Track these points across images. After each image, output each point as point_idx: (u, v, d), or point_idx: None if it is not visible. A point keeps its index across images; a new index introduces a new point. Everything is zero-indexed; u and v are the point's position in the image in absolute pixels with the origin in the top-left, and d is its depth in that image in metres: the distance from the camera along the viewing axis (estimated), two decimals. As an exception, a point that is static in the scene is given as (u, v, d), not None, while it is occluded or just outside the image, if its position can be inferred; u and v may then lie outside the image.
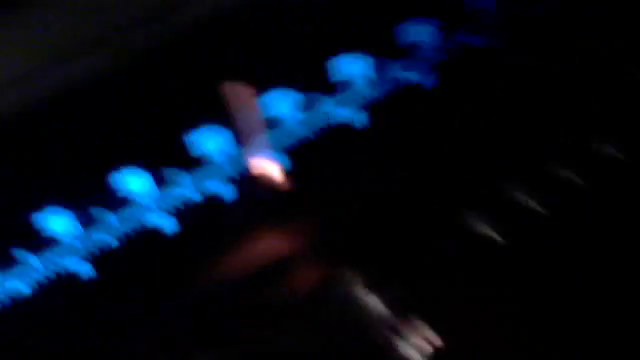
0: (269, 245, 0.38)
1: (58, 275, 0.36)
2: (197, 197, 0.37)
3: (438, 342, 0.34)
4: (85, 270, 0.36)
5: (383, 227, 0.38)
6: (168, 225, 0.37)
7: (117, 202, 0.37)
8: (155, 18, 0.32)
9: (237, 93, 0.36)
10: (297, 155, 0.39)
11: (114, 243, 0.36)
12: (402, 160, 0.40)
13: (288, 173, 0.39)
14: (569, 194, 0.38)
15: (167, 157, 0.37)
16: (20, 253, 0.35)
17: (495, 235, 0.37)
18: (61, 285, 0.36)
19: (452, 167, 0.39)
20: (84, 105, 0.34)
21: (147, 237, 0.37)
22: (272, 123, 0.38)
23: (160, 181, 0.37)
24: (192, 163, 0.37)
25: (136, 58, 0.34)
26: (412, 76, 0.40)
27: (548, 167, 0.39)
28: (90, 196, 0.36)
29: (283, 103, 0.38)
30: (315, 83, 0.38)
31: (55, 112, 0.33)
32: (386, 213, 0.38)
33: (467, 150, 0.40)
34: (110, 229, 0.36)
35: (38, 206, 0.35)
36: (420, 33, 0.39)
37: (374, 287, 0.36)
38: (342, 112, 0.39)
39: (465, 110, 0.40)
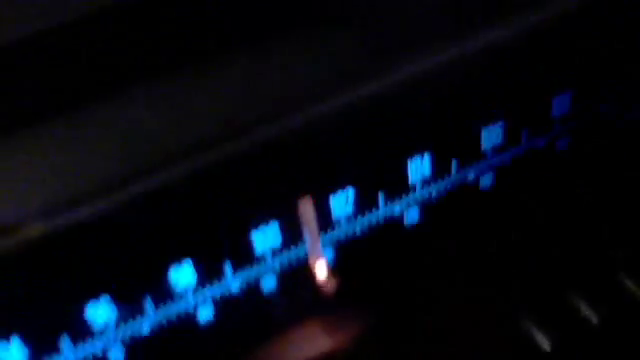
0: (308, 340, 0.38)
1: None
2: (237, 288, 0.36)
3: None
4: (117, 357, 0.36)
5: (430, 330, 0.38)
6: (205, 315, 0.36)
7: (155, 289, 0.35)
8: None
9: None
10: (345, 251, 0.38)
11: (148, 330, 0.36)
12: (453, 260, 0.39)
13: (334, 268, 0.38)
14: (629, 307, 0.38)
15: (212, 248, 0.35)
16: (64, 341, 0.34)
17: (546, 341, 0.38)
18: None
19: (505, 270, 0.39)
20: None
21: (183, 326, 0.36)
22: (322, 216, 0.36)
23: (201, 270, 0.35)
24: (235, 254, 0.36)
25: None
26: (469, 175, 0.38)
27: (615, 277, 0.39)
28: (131, 284, 0.35)
29: (338, 202, 0.36)
30: (370, 180, 0.36)
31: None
32: (434, 315, 0.38)
33: (523, 253, 0.39)
34: (146, 316, 0.35)
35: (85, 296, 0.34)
36: (485, 135, 0.37)
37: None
38: (395, 209, 0.38)
39: (520, 213, 0.40)
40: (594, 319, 0.38)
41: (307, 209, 0.35)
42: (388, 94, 0.31)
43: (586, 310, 0.39)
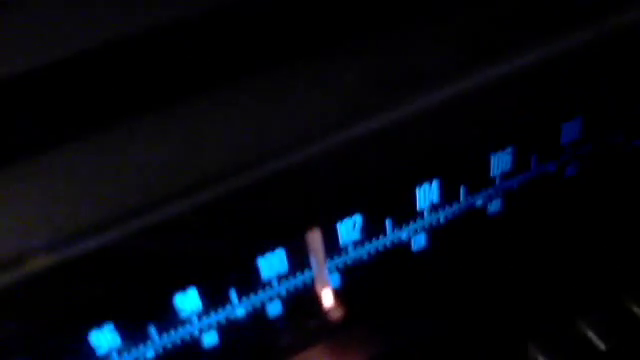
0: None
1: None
2: (242, 314, 0.36)
3: None
4: (123, 382, 0.35)
5: (438, 355, 0.38)
6: (211, 344, 0.36)
7: (160, 316, 0.35)
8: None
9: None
10: (352, 277, 0.37)
11: (153, 356, 0.35)
12: (460, 286, 0.39)
13: (341, 294, 0.38)
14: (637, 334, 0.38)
15: (218, 276, 0.35)
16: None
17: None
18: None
19: (513, 296, 0.39)
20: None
21: (188, 351, 0.36)
22: (329, 243, 0.36)
23: (206, 295, 0.35)
24: (241, 280, 0.35)
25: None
26: (478, 201, 0.38)
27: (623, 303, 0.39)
28: (135, 312, 0.34)
29: (345, 228, 0.36)
30: (378, 207, 0.36)
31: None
32: (440, 340, 0.38)
33: (531, 279, 0.39)
34: (151, 342, 0.35)
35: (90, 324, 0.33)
36: (495, 162, 0.37)
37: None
38: (402, 235, 0.37)
39: (529, 239, 0.39)
40: (602, 346, 0.38)
41: (314, 237, 0.35)
42: (397, 126, 0.31)
43: (594, 337, 0.38)
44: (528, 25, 0.33)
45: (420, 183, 0.35)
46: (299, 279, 0.36)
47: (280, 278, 0.36)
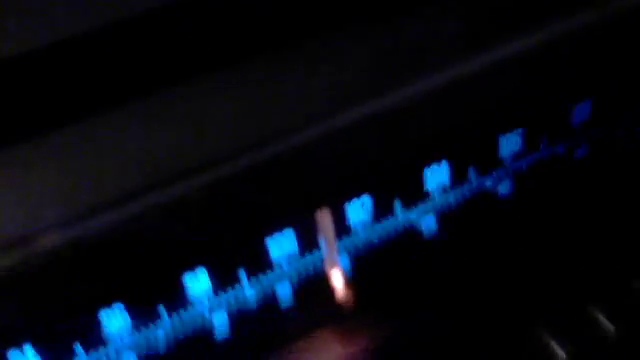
0: (323, 350, 0.37)
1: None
2: (252, 296, 0.36)
3: None
4: (133, 364, 0.35)
5: (446, 339, 0.38)
6: (221, 326, 0.36)
7: (170, 297, 0.35)
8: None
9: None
10: (361, 258, 0.37)
11: (163, 338, 0.35)
12: (470, 269, 0.39)
13: (350, 276, 0.38)
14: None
15: (227, 256, 0.35)
16: (77, 349, 0.34)
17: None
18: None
19: (523, 280, 0.39)
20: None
21: (198, 334, 0.36)
22: (339, 227, 0.36)
23: (216, 275, 0.35)
24: (250, 261, 0.35)
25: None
26: (488, 183, 0.38)
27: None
28: (145, 292, 0.35)
29: (354, 209, 0.36)
30: (387, 187, 0.36)
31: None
32: (450, 324, 0.38)
33: (541, 262, 0.39)
34: (161, 323, 0.35)
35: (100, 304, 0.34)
36: (504, 143, 0.37)
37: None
38: (413, 218, 0.37)
39: (539, 221, 0.39)
40: (612, 331, 0.38)
41: (324, 217, 0.35)
42: (406, 106, 0.30)
43: (604, 322, 0.38)
44: (538, 5, 0.33)
45: (429, 164, 0.35)
46: (308, 260, 0.36)
47: (290, 259, 0.36)
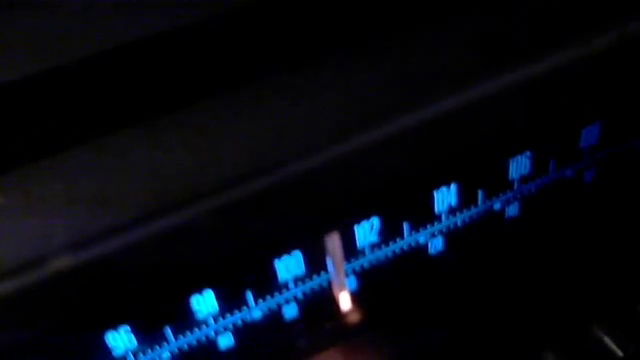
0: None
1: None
2: (258, 315, 0.36)
3: None
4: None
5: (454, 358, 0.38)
6: (227, 347, 0.36)
7: (177, 318, 0.35)
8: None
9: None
10: (369, 279, 0.37)
11: (168, 357, 0.35)
12: (477, 290, 0.39)
13: (357, 297, 0.38)
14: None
15: (235, 278, 0.35)
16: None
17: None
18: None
19: (530, 301, 0.39)
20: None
21: (204, 354, 0.36)
22: (347, 248, 0.36)
23: (223, 297, 0.35)
24: (258, 281, 0.35)
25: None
26: (495, 205, 0.38)
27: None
28: (153, 312, 0.34)
29: (363, 231, 0.36)
30: (397, 210, 0.36)
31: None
32: (456, 344, 0.38)
33: (548, 284, 0.39)
34: (167, 344, 0.35)
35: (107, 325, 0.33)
36: (513, 165, 0.37)
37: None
38: (421, 239, 0.37)
39: (549, 243, 0.39)
40: (618, 353, 0.38)
41: (332, 240, 0.35)
42: (415, 130, 0.30)
43: (610, 344, 0.38)
44: (547, 30, 0.33)
45: (438, 187, 0.35)
46: (316, 281, 0.36)
47: (297, 280, 0.36)
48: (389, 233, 0.36)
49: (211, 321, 0.35)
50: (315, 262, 0.36)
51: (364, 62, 0.31)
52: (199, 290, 0.34)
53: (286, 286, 0.36)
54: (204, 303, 0.35)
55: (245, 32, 0.31)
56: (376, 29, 0.33)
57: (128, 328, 0.34)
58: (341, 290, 0.37)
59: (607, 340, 0.38)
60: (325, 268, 0.36)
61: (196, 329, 0.35)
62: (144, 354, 0.35)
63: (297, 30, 0.32)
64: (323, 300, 0.37)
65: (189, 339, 0.36)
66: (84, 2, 0.31)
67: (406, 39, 0.32)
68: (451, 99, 0.31)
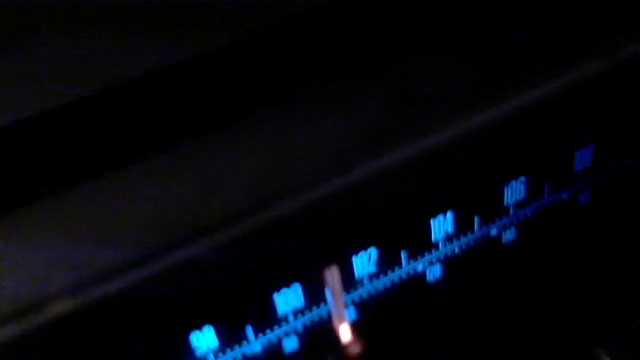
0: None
1: None
2: (258, 349, 0.36)
3: None
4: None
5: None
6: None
7: (177, 353, 0.35)
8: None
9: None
10: (368, 309, 0.37)
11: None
12: (476, 315, 0.39)
13: (356, 327, 0.37)
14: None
15: (235, 313, 0.35)
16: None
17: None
18: None
19: (530, 325, 0.39)
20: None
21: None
22: (346, 280, 0.36)
23: (223, 332, 0.35)
24: (257, 316, 0.35)
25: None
26: (492, 231, 0.38)
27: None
28: (153, 350, 0.34)
29: (361, 262, 0.36)
30: (395, 240, 0.36)
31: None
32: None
33: (548, 307, 0.39)
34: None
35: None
36: (508, 191, 0.37)
37: None
38: (417, 266, 0.37)
39: (547, 266, 0.39)
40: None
41: (331, 273, 0.35)
42: (411, 159, 0.31)
43: (611, 365, 0.38)
44: (539, 56, 0.33)
45: (435, 215, 0.35)
46: (315, 313, 0.36)
47: (296, 313, 0.36)
48: (387, 263, 0.36)
49: (211, 357, 0.35)
50: (314, 294, 0.36)
51: (356, 96, 0.32)
52: (199, 327, 0.33)
53: (286, 319, 0.36)
54: (204, 339, 0.35)
55: (242, 65, 0.31)
56: (370, 59, 0.33)
57: (129, 367, 0.34)
58: (341, 321, 0.37)
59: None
60: (324, 300, 0.36)
61: (195, 363, 0.35)
62: (145, 393, 0.35)
63: (294, 61, 0.32)
64: (323, 332, 0.37)
65: (190, 376, 0.35)
66: (70, 44, 0.31)
67: (401, 68, 0.32)
68: (446, 128, 0.31)
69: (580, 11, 0.34)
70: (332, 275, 0.35)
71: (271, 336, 0.36)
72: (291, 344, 0.37)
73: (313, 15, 0.32)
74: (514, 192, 0.37)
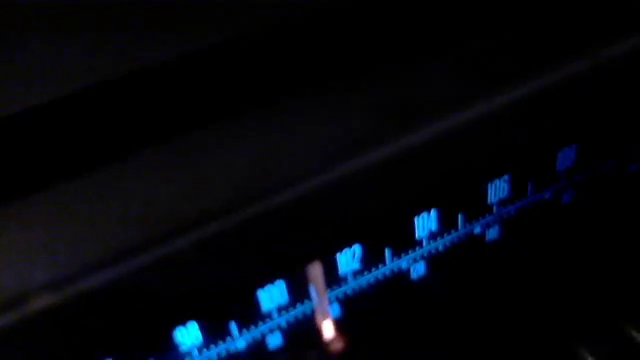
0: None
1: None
2: (242, 345, 0.36)
3: None
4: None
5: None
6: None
7: (160, 349, 0.35)
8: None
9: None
10: (352, 306, 0.37)
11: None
12: (459, 313, 0.39)
13: (340, 323, 0.38)
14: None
15: (218, 307, 0.35)
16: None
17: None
18: None
19: (511, 323, 0.39)
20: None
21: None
22: (330, 277, 0.36)
23: (207, 328, 0.35)
24: (241, 312, 0.35)
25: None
26: (476, 229, 0.38)
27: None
28: (137, 346, 0.34)
29: (345, 258, 0.36)
30: (377, 236, 0.36)
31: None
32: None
33: (530, 305, 0.39)
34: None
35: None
36: (491, 190, 0.37)
37: None
38: (401, 263, 0.37)
39: (530, 264, 0.40)
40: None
41: (315, 269, 0.35)
42: (396, 158, 0.31)
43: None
44: (522, 56, 0.33)
45: (419, 213, 0.35)
46: (299, 310, 0.36)
47: (280, 309, 0.36)
48: (371, 260, 0.36)
49: (195, 353, 0.35)
50: (298, 290, 0.36)
51: (342, 94, 0.32)
52: (183, 322, 0.34)
53: (270, 315, 0.36)
54: (188, 335, 0.35)
55: (229, 63, 0.31)
56: (358, 61, 0.33)
57: (111, 361, 0.34)
58: (324, 318, 0.37)
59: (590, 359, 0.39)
60: (308, 296, 0.36)
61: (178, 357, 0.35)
62: (128, 388, 0.35)
63: (281, 62, 0.32)
64: (307, 328, 0.37)
65: (172, 371, 0.35)
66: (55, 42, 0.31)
67: (384, 70, 0.33)
68: (429, 128, 0.31)
69: (562, 12, 0.34)
70: (316, 272, 0.35)
71: (255, 332, 0.36)
72: (275, 340, 0.37)
73: (301, 20, 0.32)
74: (497, 190, 0.37)
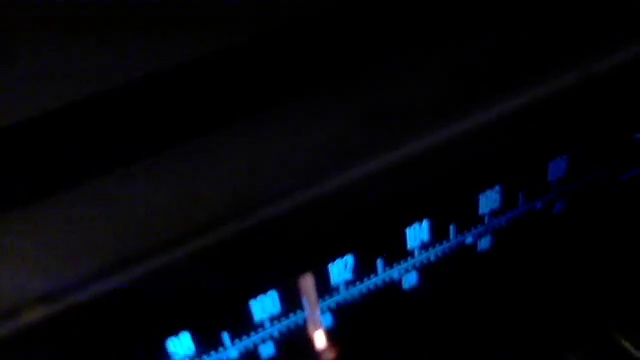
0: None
1: None
2: (234, 355, 0.36)
3: None
4: None
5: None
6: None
7: (153, 359, 0.35)
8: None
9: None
10: (344, 316, 0.38)
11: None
12: (451, 323, 0.39)
13: (332, 333, 0.38)
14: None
15: (210, 318, 0.35)
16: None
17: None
18: None
19: (503, 332, 0.39)
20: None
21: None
22: (320, 283, 0.36)
23: (199, 338, 0.35)
24: (234, 322, 0.35)
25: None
26: (467, 239, 0.38)
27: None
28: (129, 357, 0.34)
29: (337, 269, 0.36)
30: (369, 247, 0.36)
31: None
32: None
33: (521, 314, 0.39)
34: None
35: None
36: (483, 200, 0.38)
37: None
38: (392, 274, 0.37)
39: (522, 274, 0.40)
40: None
41: (307, 280, 0.35)
42: (387, 169, 0.31)
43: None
44: (514, 68, 0.33)
45: (410, 224, 0.36)
46: (291, 320, 0.36)
47: (272, 319, 0.36)
48: (363, 270, 0.37)
49: (186, 361, 0.35)
50: (290, 301, 0.36)
51: (334, 105, 0.32)
52: (175, 333, 0.34)
53: (262, 325, 0.36)
54: (180, 345, 0.35)
55: (217, 75, 0.31)
56: (343, 71, 0.33)
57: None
58: (316, 328, 0.37)
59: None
60: (300, 306, 0.36)
61: (172, 371, 0.35)
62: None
63: (269, 72, 0.33)
64: (299, 338, 0.37)
65: (167, 381, 0.35)
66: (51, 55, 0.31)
67: (374, 79, 0.33)
68: (421, 139, 0.31)
69: (552, 24, 0.35)
70: (308, 282, 0.35)
71: (247, 342, 0.36)
72: (267, 350, 0.37)
73: (289, 28, 0.32)
74: (489, 201, 0.38)
